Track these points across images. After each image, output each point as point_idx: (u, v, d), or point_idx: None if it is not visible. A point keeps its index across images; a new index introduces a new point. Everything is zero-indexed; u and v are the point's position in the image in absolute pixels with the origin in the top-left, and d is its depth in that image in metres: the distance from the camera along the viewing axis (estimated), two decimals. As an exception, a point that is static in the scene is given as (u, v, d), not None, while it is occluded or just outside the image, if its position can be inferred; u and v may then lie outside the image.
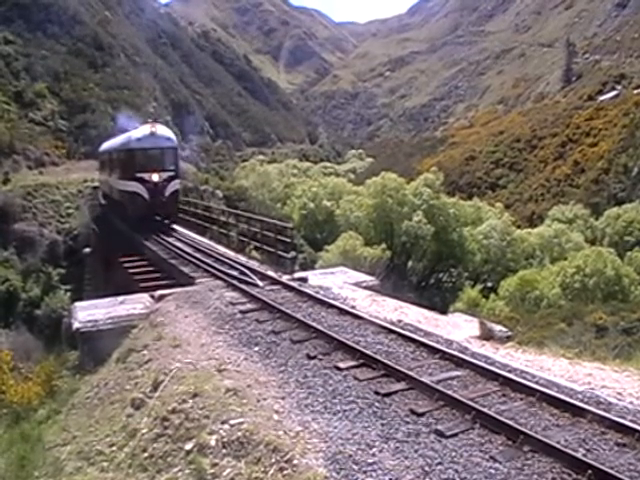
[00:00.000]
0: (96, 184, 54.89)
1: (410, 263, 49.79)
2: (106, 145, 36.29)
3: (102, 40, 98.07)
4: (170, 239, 22.29)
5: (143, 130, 24.40)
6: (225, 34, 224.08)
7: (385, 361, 9.20)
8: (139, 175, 23.54)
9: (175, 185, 24.37)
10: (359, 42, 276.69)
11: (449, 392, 8.07)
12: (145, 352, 11.29)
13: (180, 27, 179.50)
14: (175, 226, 25.40)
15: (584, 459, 6.35)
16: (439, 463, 6.45)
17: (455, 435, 7.11)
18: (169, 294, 14.52)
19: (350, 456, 6.61)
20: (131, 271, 19.64)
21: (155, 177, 23.53)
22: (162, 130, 24.66)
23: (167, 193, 23.85)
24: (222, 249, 20.32)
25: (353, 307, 12.71)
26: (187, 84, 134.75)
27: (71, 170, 66.79)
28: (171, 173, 24.27)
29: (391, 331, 10.87)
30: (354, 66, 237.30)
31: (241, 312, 12.46)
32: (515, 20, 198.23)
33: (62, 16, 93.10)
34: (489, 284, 43.06)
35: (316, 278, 16.12)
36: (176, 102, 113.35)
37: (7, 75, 77.26)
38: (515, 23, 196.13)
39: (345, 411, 7.75)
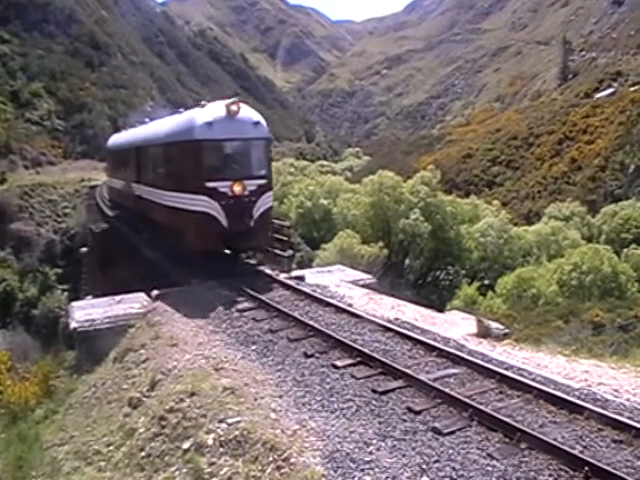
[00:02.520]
0: (94, 183, 54.62)
1: (407, 261, 49.76)
2: (125, 137, 27.15)
3: (99, 39, 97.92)
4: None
5: (215, 110, 15.24)
6: (222, 33, 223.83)
7: (382, 359, 9.20)
8: (211, 185, 14.70)
9: (268, 201, 15.65)
10: (356, 40, 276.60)
11: (446, 390, 8.08)
12: (142, 351, 11.30)
13: (177, 26, 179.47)
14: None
15: (581, 456, 6.36)
16: (436, 461, 6.47)
17: (452, 433, 7.12)
18: (166, 293, 14.50)
19: (347, 454, 6.62)
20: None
21: (238, 188, 14.90)
22: (246, 111, 15.68)
23: (256, 214, 15.11)
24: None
25: (350, 305, 12.71)
26: (184, 83, 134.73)
27: (68, 170, 66.77)
28: (262, 181, 15.53)
29: (388, 329, 10.88)
30: (351, 64, 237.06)
31: (238, 311, 12.46)
32: (512, 18, 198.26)
33: (58, 15, 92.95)
34: (486, 282, 43.04)
35: (313, 276, 16.11)
36: (173, 101, 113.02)
37: (3, 75, 77.10)
38: (512, 21, 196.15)
39: (342, 409, 7.76)
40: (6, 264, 45.93)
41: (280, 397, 8.18)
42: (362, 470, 6.31)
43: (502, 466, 6.36)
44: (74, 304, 15.46)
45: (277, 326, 11.32)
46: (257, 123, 15.57)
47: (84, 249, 38.52)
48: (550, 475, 6.23)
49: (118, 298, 14.74)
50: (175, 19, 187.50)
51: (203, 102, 15.92)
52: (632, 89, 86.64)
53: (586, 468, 6.13)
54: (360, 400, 8.02)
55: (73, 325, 13.19)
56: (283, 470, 6.48)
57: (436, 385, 8.23)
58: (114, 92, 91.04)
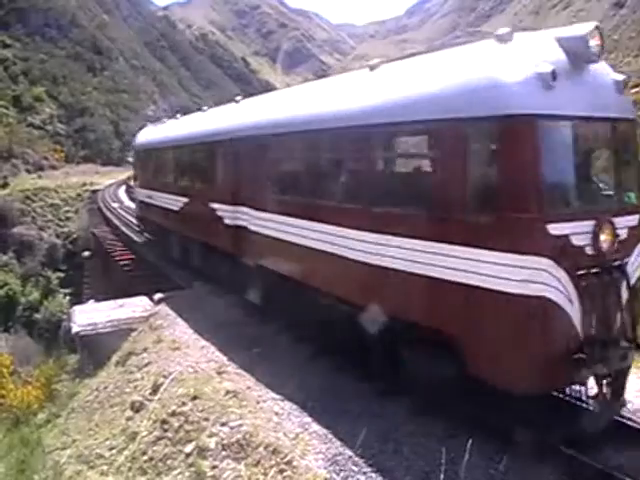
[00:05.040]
0: (96, 188, 54.59)
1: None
2: (184, 128, 17.82)
3: (100, 44, 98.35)
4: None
5: (547, 49, 6.28)
6: (223, 37, 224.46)
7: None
8: (557, 231, 5.73)
9: None
10: (357, 44, 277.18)
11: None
12: (145, 355, 11.29)
13: (178, 30, 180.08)
14: None
15: (583, 459, 6.33)
16: (439, 465, 6.43)
17: (454, 437, 7.08)
18: (168, 297, 14.50)
19: (350, 457, 6.60)
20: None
21: (606, 238, 6.05)
22: (603, 67, 6.86)
23: (633, 279, 6.44)
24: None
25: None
26: (186, 87, 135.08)
27: (70, 174, 66.94)
28: (636, 217, 6.59)
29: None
30: (352, 68, 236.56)
31: (241, 314, 12.44)
32: (513, 20, 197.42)
33: (60, 20, 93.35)
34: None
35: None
36: (175, 105, 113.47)
37: (5, 79, 77.46)
38: (513, 23, 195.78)
39: (345, 415, 7.73)
40: (8, 268, 46.03)
41: (282, 400, 8.17)
42: (364, 473, 6.30)
43: (504, 470, 6.33)
44: (76, 308, 15.50)
45: (277, 328, 11.27)
46: (621, 84, 6.96)
47: (86, 253, 38.61)
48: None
49: (120, 302, 14.77)
50: (177, 23, 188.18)
51: (502, 29, 6.67)
52: (633, 91, 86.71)
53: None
54: (362, 403, 7.99)
55: (75, 329, 13.21)
56: (286, 473, 6.47)
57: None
58: (116, 96, 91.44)
